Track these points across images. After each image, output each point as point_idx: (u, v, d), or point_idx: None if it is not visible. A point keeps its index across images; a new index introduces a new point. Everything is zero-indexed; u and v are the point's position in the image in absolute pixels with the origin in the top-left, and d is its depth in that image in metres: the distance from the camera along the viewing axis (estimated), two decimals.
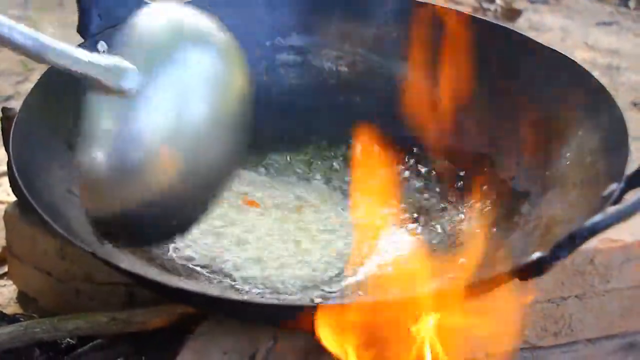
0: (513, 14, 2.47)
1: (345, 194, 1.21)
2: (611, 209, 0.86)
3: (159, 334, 1.10)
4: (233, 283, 1.05)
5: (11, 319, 1.17)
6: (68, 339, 1.14)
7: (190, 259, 1.08)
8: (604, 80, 1.10)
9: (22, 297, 1.32)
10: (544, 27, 2.41)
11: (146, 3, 1.20)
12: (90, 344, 1.13)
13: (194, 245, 1.09)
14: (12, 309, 1.30)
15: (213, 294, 0.99)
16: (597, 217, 0.83)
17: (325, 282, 1.06)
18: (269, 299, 1.02)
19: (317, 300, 1.03)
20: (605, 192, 0.92)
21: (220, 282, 1.05)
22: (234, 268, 1.07)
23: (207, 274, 1.06)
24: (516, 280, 0.88)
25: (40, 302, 1.29)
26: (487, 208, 1.13)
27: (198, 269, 1.07)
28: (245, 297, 1.01)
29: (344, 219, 1.16)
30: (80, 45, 1.15)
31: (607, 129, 1.03)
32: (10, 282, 1.35)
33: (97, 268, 1.18)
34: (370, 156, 1.23)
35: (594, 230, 0.83)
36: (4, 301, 1.33)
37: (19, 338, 1.07)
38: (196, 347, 0.96)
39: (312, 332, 0.86)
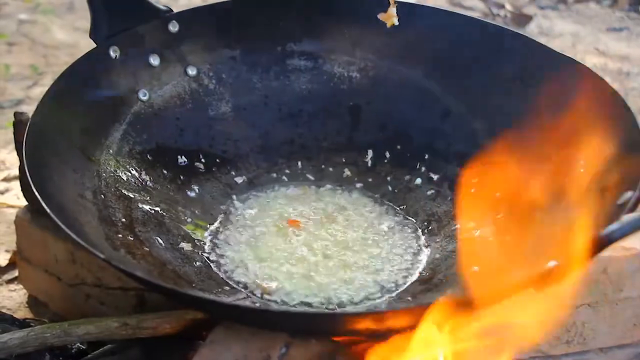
0: (523, 19, 2.47)
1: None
2: (627, 218, 0.85)
3: (169, 339, 1.09)
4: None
5: (22, 324, 1.17)
6: (78, 344, 1.14)
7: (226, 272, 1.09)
8: (614, 86, 1.10)
9: (33, 302, 1.33)
10: (554, 33, 2.40)
11: (161, 10, 1.21)
12: (101, 349, 1.13)
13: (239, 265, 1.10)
14: (23, 313, 1.31)
15: (238, 303, 1.00)
16: (613, 226, 0.83)
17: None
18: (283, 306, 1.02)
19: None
20: (621, 201, 0.92)
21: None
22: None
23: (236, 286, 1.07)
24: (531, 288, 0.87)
25: (51, 306, 1.29)
26: (501, 215, 1.12)
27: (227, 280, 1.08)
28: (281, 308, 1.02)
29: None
30: (92, 50, 1.16)
31: (621, 136, 1.02)
32: (21, 286, 1.35)
33: (107, 272, 1.18)
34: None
35: (609, 240, 0.83)
36: (14, 305, 1.33)
37: (30, 343, 1.07)
38: (208, 354, 0.95)
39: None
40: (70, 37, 2.25)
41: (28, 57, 2.15)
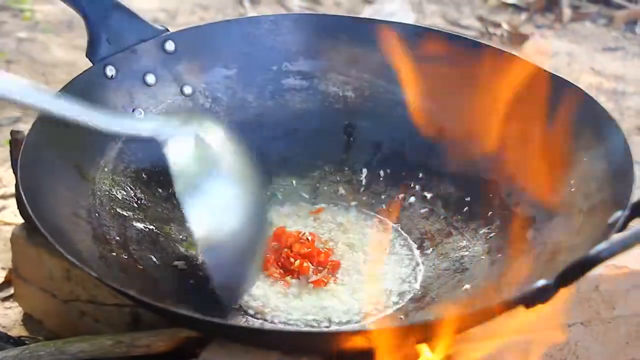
0: (519, 38, 2.48)
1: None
2: (616, 237, 0.86)
3: (163, 357, 1.09)
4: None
5: (16, 342, 1.17)
6: None
7: None
8: (609, 105, 1.11)
9: (27, 319, 1.33)
10: (550, 52, 2.41)
11: (158, 29, 1.21)
12: None
13: None
14: (17, 330, 1.31)
15: (230, 322, 1.00)
16: (602, 245, 0.83)
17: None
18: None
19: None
20: (611, 220, 0.93)
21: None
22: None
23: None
24: (521, 307, 0.87)
25: (45, 324, 1.30)
26: (492, 234, 1.13)
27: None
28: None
29: None
30: (89, 69, 1.17)
31: (612, 156, 1.03)
32: (16, 304, 1.35)
33: (102, 289, 1.18)
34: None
35: (599, 259, 0.83)
36: (9, 323, 1.33)
37: None
38: None
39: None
40: (69, 55, 2.26)
41: (27, 75, 2.16)
